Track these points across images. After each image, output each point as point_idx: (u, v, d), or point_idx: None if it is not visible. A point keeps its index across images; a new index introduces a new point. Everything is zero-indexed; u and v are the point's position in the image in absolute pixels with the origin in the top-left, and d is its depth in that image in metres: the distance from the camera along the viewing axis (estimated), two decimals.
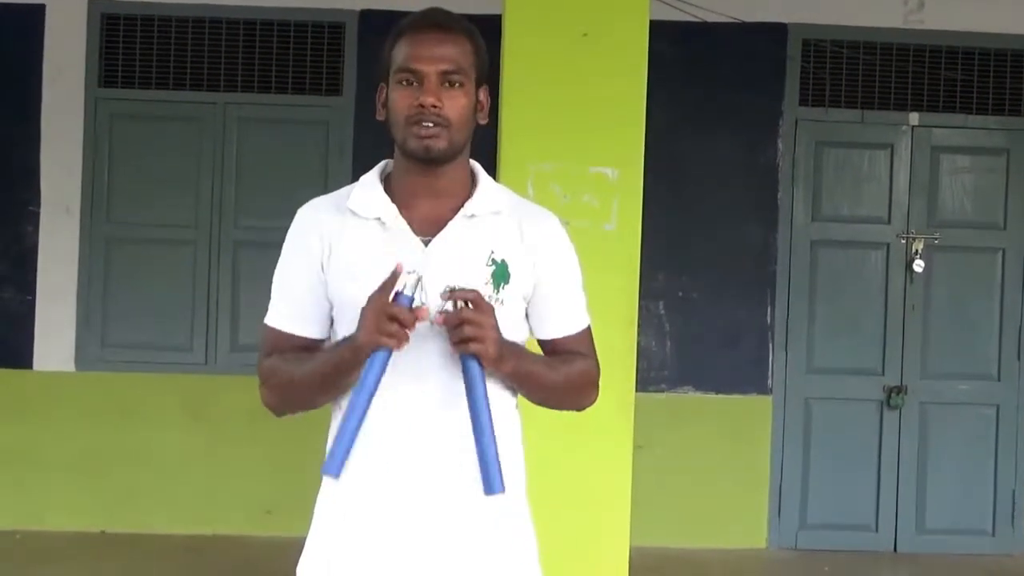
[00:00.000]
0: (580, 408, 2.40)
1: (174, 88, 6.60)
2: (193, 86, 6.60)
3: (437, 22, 2.21)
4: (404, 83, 2.18)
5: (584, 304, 2.37)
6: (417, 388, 2.17)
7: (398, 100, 2.18)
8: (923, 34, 6.65)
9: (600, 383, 2.39)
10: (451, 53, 2.18)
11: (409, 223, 2.22)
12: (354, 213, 2.24)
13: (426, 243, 2.21)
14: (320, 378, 2.19)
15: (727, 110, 6.60)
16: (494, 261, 2.22)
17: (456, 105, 2.18)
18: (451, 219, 2.22)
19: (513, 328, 2.24)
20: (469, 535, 2.20)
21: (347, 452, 2.11)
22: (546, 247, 2.29)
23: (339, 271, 2.22)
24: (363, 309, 2.09)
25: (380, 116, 2.27)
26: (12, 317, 6.57)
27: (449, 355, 2.15)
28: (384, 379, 2.11)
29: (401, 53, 2.19)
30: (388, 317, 2.04)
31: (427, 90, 2.16)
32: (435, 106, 2.16)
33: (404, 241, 2.20)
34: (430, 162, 2.20)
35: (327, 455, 2.13)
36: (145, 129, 6.63)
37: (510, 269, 2.23)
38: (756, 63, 6.62)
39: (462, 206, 2.24)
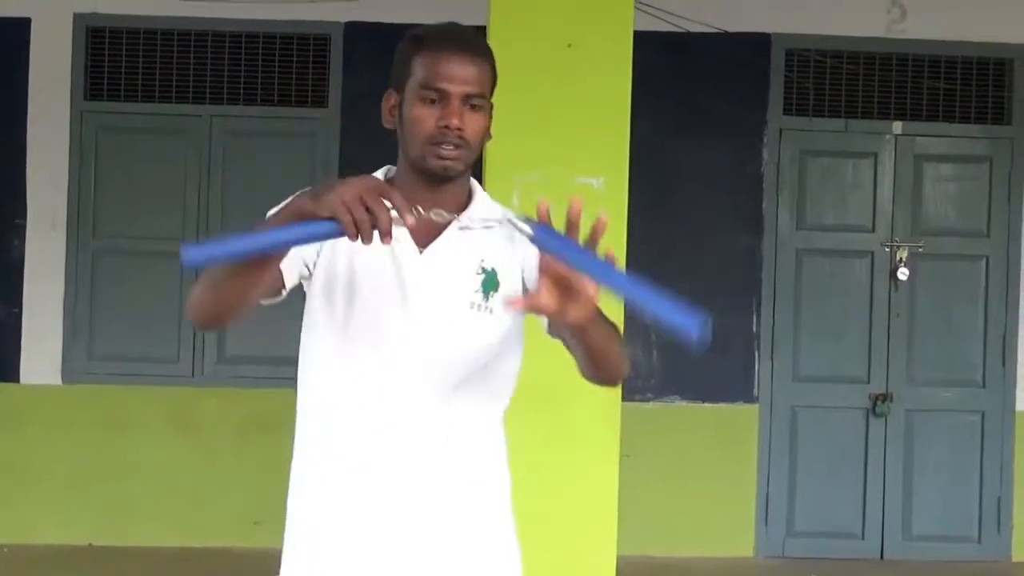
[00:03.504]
0: (618, 374, 2.35)
1: (160, 101, 6.60)
2: (179, 99, 6.61)
3: (465, 43, 2.22)
4: (427, 101, 2.18)
5: None
6: (400, 422, 2.19)
7: (420, 117, 2.18)
8: (906, 43, 6.69)
9: (590, 387, 2.39)
10: (476, 76, 2.19)
11: (408, 230, 2.24)
12: None
13: (421, 251, 2.23)
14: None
15: (711, 120, 6.62)
16: (484, 270, 2.25)
17: (476, 128, 2.20)
18: (445, 230, 2.25)
19: (503, 337, 2.27)
20: (452, 549, 2.21)
21: (221, 257, 1.96)
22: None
23: (335, 255, 2.22)
24: (350, 179, 1.96)
25: (388, 124, 2.27)
26: None
27: (442, 393, 2.19)
28: (366, 409, 2.14)
29: (425, 68, 2.18)
30: (367, 203, 1.90)
31: (452, 111, 2.17)
32: (459, 128, 2.17)
33: (401, 246, 2.22)
34: (443, 180, 2.23)
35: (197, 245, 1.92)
36: (131, 142, 6.63)
37: (499, 277, 2.26)
38: (740, 73, 6.65)
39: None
